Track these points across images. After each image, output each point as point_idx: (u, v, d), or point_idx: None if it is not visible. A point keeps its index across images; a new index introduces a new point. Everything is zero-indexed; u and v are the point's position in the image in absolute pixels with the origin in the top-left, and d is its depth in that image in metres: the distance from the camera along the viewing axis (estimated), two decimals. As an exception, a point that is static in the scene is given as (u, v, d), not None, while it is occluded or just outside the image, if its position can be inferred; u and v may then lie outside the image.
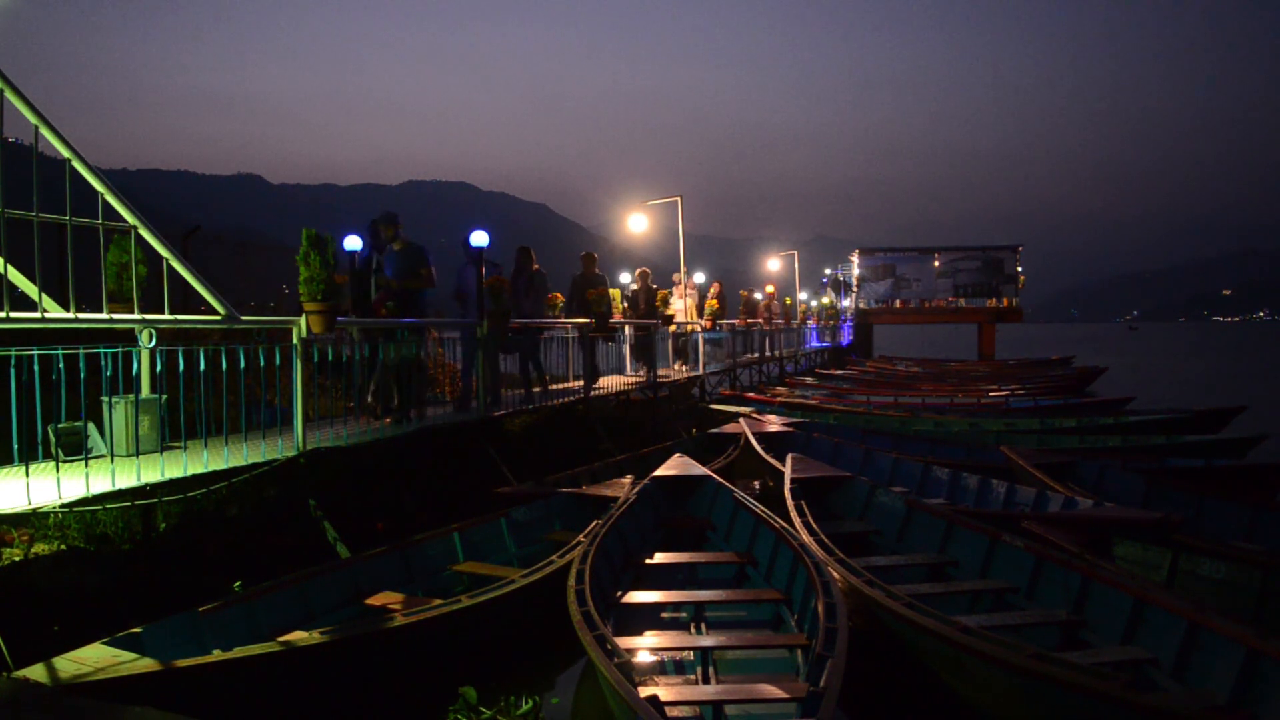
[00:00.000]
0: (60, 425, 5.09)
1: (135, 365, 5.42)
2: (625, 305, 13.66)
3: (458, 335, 8.82)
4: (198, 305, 6.59)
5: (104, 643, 3.62)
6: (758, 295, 22.96)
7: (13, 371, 4.55)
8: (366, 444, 6.47)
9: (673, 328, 14.64)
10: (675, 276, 16.08)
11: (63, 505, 4.40)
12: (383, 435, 6.76)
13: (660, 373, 13.74)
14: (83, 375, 5.23)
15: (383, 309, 7.56)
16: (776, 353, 23.91)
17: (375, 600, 4.81)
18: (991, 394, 17.53)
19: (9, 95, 4.00)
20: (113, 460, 5.11)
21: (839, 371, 24.63)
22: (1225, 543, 5.72)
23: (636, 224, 17.78)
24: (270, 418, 6.68)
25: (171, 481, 4.99)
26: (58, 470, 4.62)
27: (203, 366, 5.34)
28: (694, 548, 6.33)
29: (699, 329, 15.86)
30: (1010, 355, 36.46)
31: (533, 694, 4.04)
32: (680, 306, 15.16)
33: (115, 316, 4.80)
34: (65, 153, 4.44)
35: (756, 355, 21.55)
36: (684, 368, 15.48)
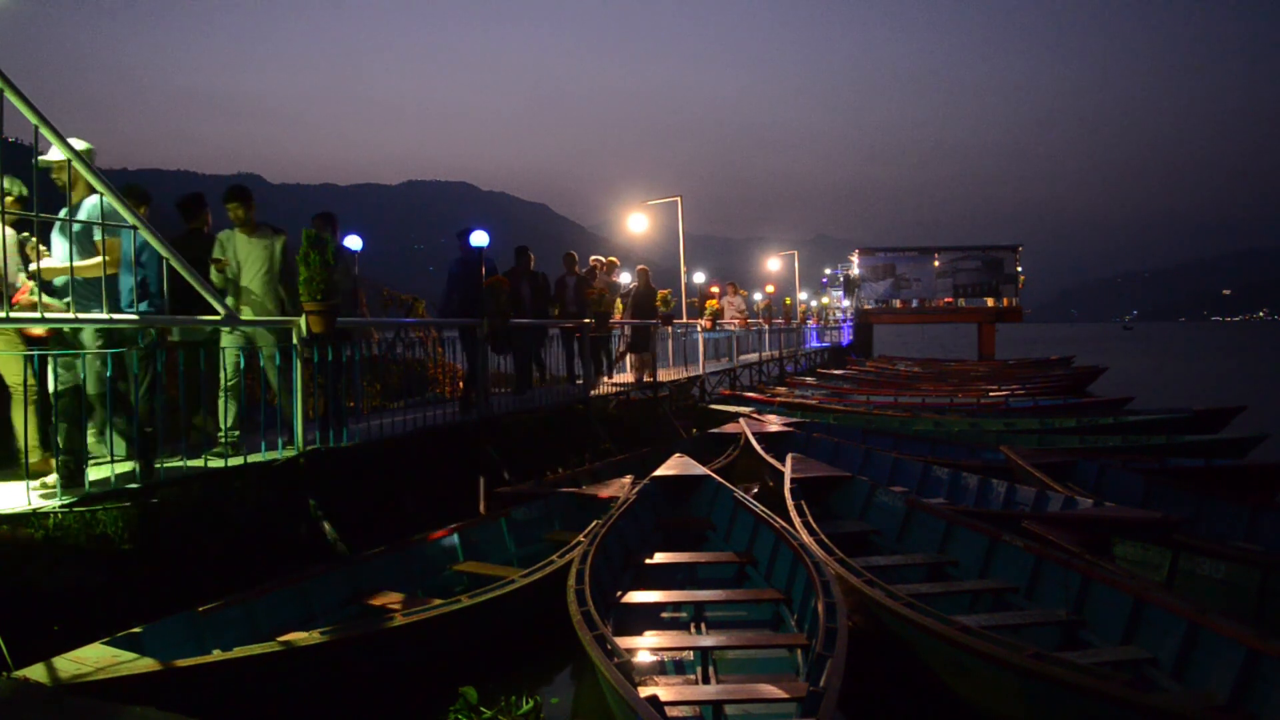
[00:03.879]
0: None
1: (135, 366, 5.42)
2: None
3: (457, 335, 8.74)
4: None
5: (104, 643, 3.62)
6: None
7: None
8: (366, 444, 6.47)
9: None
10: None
11: (63, 505, 4.40)
12: (383, 435, 6.75)
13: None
14: (82, 375, 5.21)
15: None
16: (776, 352, 23.91)
17: (375, 600, 4.81)
18: (991, 394, 17.54)
19: (9, 95, 3.99)
20: (113, 460, 5.11)
21: (839, 371, 24.68)
22: (1225, 543, 5.72)
23: (636, 224, 17.78)
24: (270, 418, 6.67)
25: (171, 481, 4.99)
26: (58, 470, 4.62)
27: (203, 366, 5.34)
28: (694, 548, 6.32)
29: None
30: (1010, 355, 36.48)
31: (533, 694, 4.04)
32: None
33: (115, 316, 4.80)
34: (65, 153, 4.43)
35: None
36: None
